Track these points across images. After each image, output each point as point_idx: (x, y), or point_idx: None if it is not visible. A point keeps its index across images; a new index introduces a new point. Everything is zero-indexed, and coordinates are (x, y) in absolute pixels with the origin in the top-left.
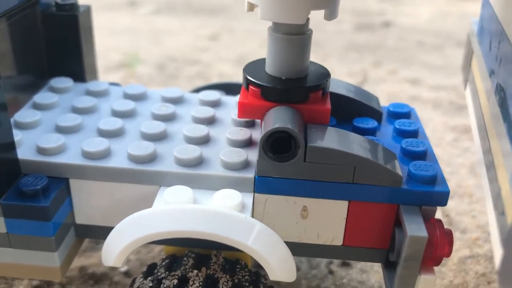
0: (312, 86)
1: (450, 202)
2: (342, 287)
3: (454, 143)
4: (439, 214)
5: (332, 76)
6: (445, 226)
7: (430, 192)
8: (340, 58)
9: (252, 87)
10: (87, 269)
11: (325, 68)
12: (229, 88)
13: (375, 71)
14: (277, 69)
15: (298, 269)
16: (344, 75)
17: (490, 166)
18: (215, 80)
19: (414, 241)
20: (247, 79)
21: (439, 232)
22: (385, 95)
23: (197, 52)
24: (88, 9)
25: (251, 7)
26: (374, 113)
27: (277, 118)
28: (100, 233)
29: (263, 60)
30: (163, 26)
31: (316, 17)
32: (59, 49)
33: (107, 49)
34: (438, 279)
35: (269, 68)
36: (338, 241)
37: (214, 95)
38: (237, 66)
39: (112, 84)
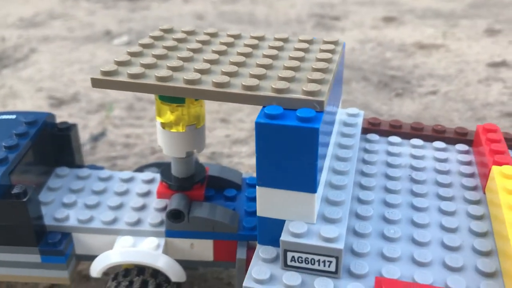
0: (194, 182)
1: None
2: (230, 274)
3: None
4: None
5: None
6: None
7: (250, 235)
8: None
9: (163, 183)
10: (82, 272)
11: (203, 167)
12: (163, 166)
13: None
14: (176, 173)
15: (207, 270)
16: None
17: None
18: None
19: (239, 260)
20: (162, 178)
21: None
22: None
23: None
24: (76, 127)
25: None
26: (236, 185)
27: (175, 201)
28: (88, 258)
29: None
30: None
31: None
32: (60, 151)
33: (90, 89)
34: None
35: (173, 171)
36: (211, 258)
37: (150, 175)
38: None
39: (93, 167)
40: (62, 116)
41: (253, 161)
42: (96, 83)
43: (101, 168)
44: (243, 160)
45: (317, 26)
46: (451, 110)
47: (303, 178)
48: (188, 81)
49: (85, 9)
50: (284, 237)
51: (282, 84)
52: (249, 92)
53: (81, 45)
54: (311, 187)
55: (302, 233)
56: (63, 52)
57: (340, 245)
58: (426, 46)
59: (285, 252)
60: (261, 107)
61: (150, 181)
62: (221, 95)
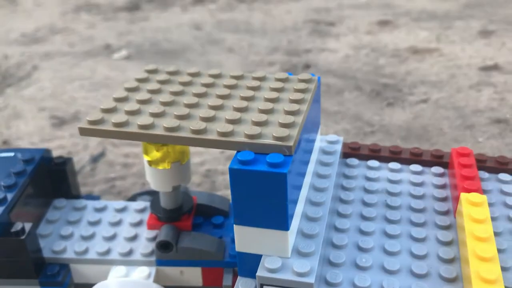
0: (182, 212)
1: None
2: None
3: None
4: None
5: None
6: None
7: (235, 262)
8: None
9: (153, 215)
10: None
11: (190, 197)
12: (152, 194)
13: None
14: (164, 205)
15: None
16: None
17: None
18: None
19: (226, 286)
20: (151, 210)
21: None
22: None
23: None
24: (71, 161)
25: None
26: (224, 212)
27: (163, 232)
28: (86, 287)
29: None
30: (133, 76)
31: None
32: (57, 184)
33: (91, 107)
34: None
35: (161, 203)
36: (200, 284)
37: (142, 204)
38: None
39: (89, 197)
40: (63, 136)
41: None
42: (84, 131)
43: (97, 198)
44: None
45: (313, 33)
46: (441, 118)
47: (276, 217)
48: (168, 129)
49: (85, 22)
50: (260, 272)
51: (254, 130)
52: (223, 138)
53: (82, 61)
54: (283, 225)
55: (277, 268)
56: (63, 68)
57: (311, 279)
58: (419, 51)
59: (262, 286)
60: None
61: (142, 210)
62: (198, 141)
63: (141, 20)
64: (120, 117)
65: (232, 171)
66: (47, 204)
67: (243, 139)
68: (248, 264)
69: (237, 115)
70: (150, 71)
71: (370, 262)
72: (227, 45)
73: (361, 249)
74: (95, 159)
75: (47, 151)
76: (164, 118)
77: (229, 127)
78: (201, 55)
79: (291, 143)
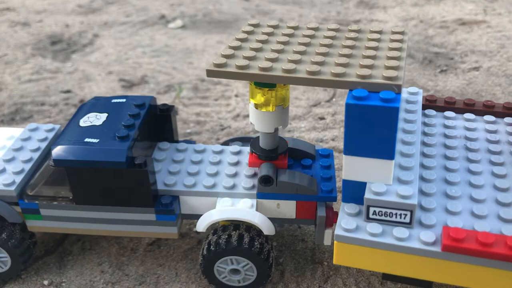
0: (279, 153)
1: None
2: (307, 232)
3: None
4: None
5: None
6: None
7: (327, 197)
8: None
9: (253, 154)
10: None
11: (285, 140)
12: (244, 140)
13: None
14: (264, 145)
15: (284, 229)
16: (316, 92)
17: None
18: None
19: (320, 217)
20: (252, 150)
21: (331, 213)
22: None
23: None
24: (174, 108)
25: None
26: (311, 155)
27: (265, 169)
28: (191, 217)
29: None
30: (191, 43)
31: None
32: (161, 128)
33: (156, 71)
34: None
35: (261, 144)
36: (293, 216)
37: (237, 148)
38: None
39: (187, 141)
40: None
41: (312, 135)
42: (211, 73)
43: (193, 142)
44: (303, 134)
45: (359, 4)
46: (493, 85)
47: (384, 148)
48: (286, 71)
49: None
50: (368, 195)
51: (365, 71)
52: (338, 79)
53: (140, 30)
54: (390, 155)
55: (383, 192)
56: (124, 36)
57: (414, 201)
58: (467, 23)
59: (368, 207)
60: (339, 90)
61: (238, 153)
62: (314, 81)
63: None
64: (241, 61)
65: (348, 106)
66: (153, 146)
67: (356, 79)
68: (352, 191)
69: (345, 60)
70: (253, 25)
71: (459, 193)
72: (277, 16)
73: (449, 183)
74: None
75: (154, 98)
76: (280, 63)
77: (341, 69)
78: None
79: (400, 82)
